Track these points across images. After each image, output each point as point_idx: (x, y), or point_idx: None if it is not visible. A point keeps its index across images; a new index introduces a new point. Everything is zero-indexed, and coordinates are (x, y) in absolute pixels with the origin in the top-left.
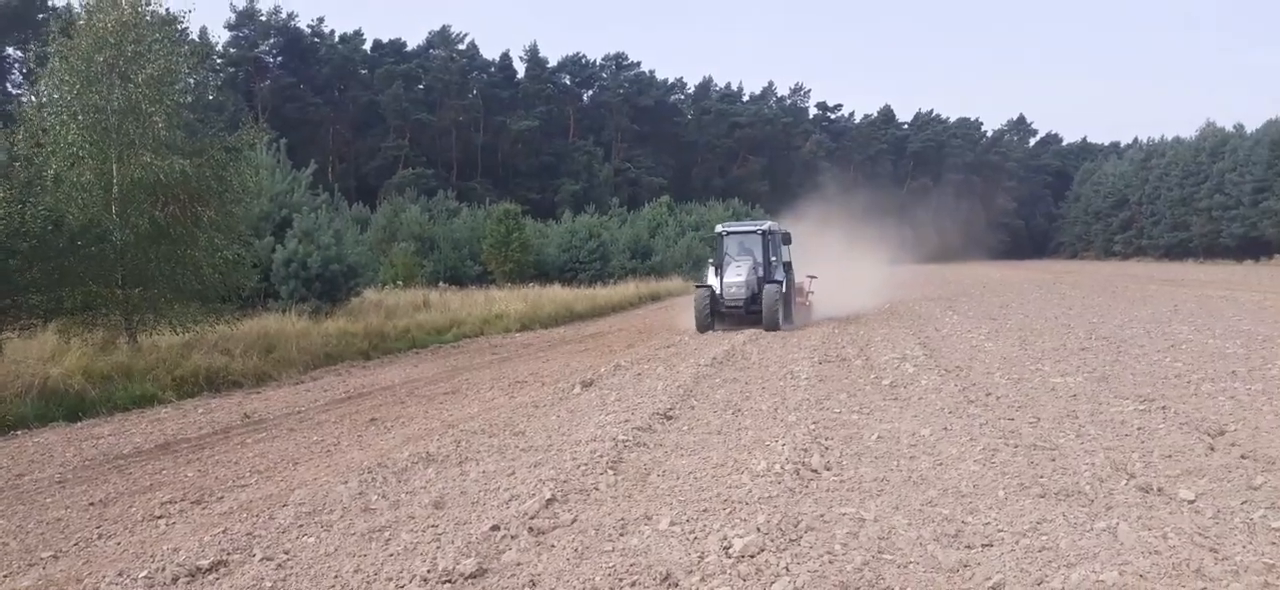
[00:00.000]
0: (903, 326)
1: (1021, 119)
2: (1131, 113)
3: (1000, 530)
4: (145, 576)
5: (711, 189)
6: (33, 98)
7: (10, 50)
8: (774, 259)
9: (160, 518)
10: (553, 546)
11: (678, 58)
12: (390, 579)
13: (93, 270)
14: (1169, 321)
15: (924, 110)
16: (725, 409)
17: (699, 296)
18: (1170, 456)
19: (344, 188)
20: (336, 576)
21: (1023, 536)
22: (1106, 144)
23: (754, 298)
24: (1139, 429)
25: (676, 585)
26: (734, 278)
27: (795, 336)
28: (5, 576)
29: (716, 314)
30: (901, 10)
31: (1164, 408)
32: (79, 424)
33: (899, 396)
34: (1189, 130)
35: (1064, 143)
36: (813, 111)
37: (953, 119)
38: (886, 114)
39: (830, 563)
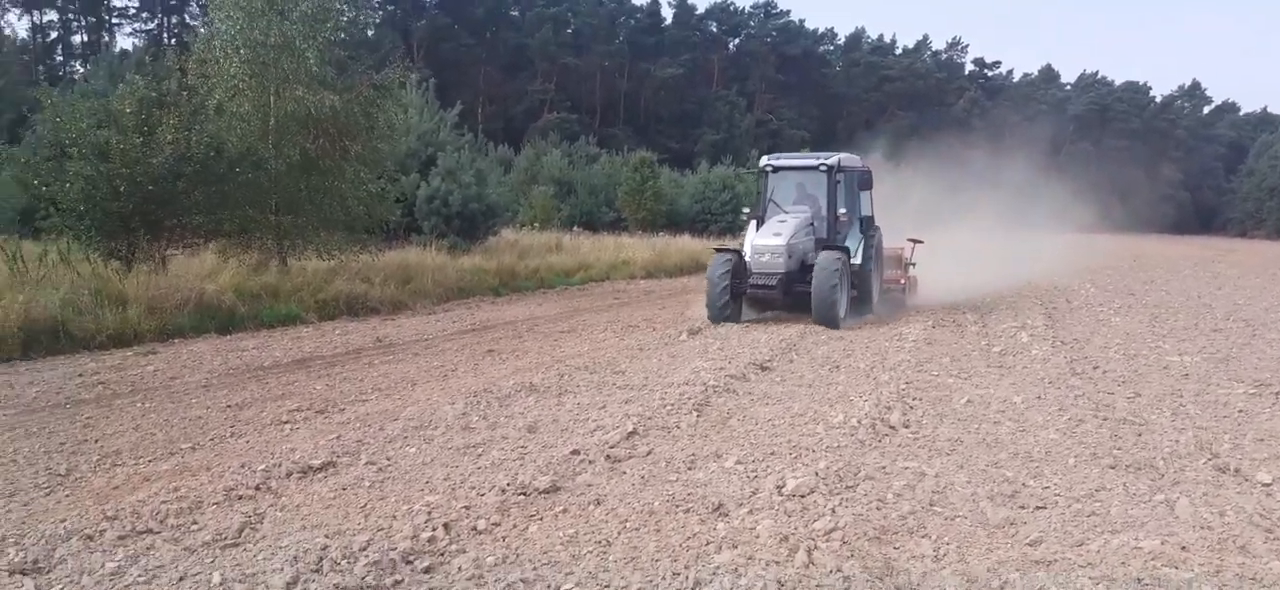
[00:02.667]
0: (1034, 297)
1: (1196, 85)
2: None
3: (1057, 495)
4: (263, 469)
5: (856, 144)
6: (203, 30)
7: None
8: (844, 212)
9: (287, 423)
10: (624, 473)
11: (830, 6)
12: (473, 488)
13: (249, 196)
14: None
15: (1089, 71)
16: (823, 365)
17: (716, 266)
18: (1263, 441)
19: (491, 129)
20: (427, 482)
21: (1077, 501)
22: None
23: (800, 272)
24: (1240, 412)
25: (726, 514)
26: (769, 239)
27: (922, 289)
28: (150, 460)
29: (743, 295)
30: None
31: (1277, 393)
32: (228, 336)
33: (1004, 364)
34: None
35: (1242, 113)
36: (969, 67)
37: (1119, 82)
38: (1048, 73)
39: (877, 509)
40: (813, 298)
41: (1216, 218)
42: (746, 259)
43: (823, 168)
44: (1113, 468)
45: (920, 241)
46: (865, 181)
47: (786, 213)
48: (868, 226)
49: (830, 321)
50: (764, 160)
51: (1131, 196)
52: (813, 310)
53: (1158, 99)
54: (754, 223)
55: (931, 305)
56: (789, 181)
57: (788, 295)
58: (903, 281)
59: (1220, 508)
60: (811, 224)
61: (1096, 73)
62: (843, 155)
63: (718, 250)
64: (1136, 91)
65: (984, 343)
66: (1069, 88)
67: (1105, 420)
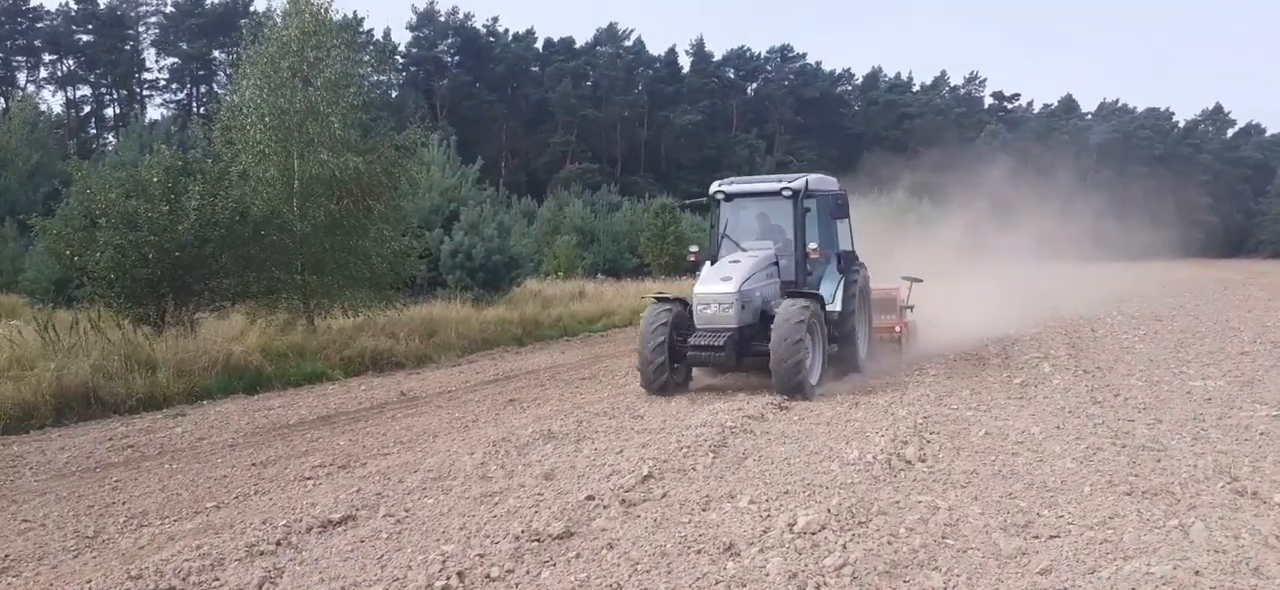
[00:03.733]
0: (1058, 326)
1: (1218, 108)
2: None
3: (1070, 523)
4: (284, 525)
5: (877, 181)
6: (233, 98)
7: (216, 53)
8: (815, 246)
9: (309, 479)
10: (638, 516)
11: (847, 48)
12: (487, 536)
13: (275, 257)
14: None
15: (1109, 99)
16: (842, 402)
17: (650, 318)
18: None
19: (514, 182)
20: (443, 532)
21: (1090, 529)
22: None
23: (760, 326)
24: (1262, 435)
25: (737, 554)
26: (716, 285)
27: (925, 334)
28: (175, 520)
29: (684, 355)
30: None
31: None
32: (255, 396)
33: (1025, 395)
34: None
35: (1267, 134)
36: (988, 101)
37: (1141, 108)
38: (1068, 103)
39: (889, 544)
40: (772, 360)
41: (1247, 240)
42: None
43: (787, 192)
44: (1128, 494)
45: (919, 280)
46: (840, 208)
47: (744, 250)
48: (848, 263)
49: (796, 390)
50: (715, 187)
51: (1159, 223)
52: (774, 378)
53: (1181, 124)
54: (708, 264)
55: (943, 352)
56: (747, 212)
57: (741, 357)
58: (898, 329)
59: (1236, 531)
60: (776, 263)
61: (1117, 100)
62: (812, 176)
63: (657, 299)
64: (1159, 118)
65: (1005, 374)
66: (1090, 117)
67: (1124, 447)
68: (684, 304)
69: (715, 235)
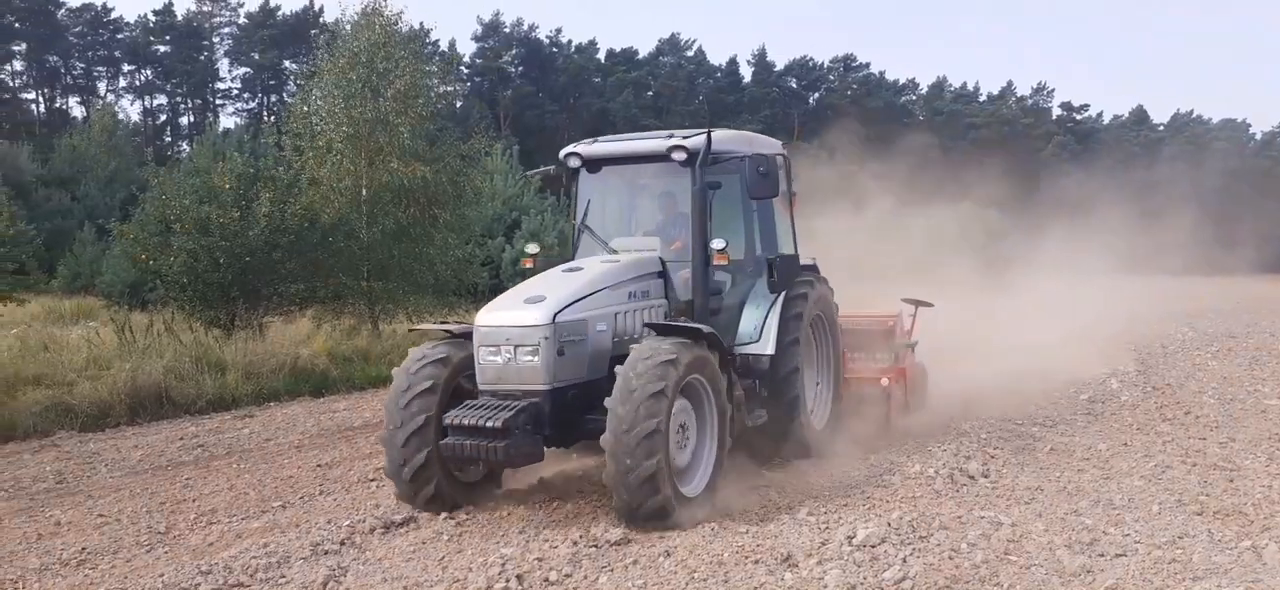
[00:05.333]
0: (1126, 342)
1: None
2: None
3: (1137, 542)
4: (348, 525)
5: (942, 191)
6: (304, 107)
7: (287, 63)
8: (722, 245)
9: (373, 481)
10: (696, 525)
11: (911, 59)
12: (547, 540)
13: (342, 264)
14: None
15: (1183, 111)
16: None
17: (406, 376)
18: None
19: None
20: (503, 535)
21: (1158, 549)
22: None
23: (597, 389)
24: None
25: (795, 565)
26: (509, 313)
27: (947, 376)
28: (243, 518)
29: (452, 442)
30: (1158, 4)
31: None
32: (321, 399)
33: (1092, 412)
34: None
35: None
36: (1056, 112)
37: (1216, 120)
38: (1139, 114)
39: (949, 559)
40: (607, 454)
41: None
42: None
43: (679, 154)
44: (1199, 514)
45: (928, 304)
46: (765, 181)
47: (614, 253)
48: (790, 275)
49: (650, 515)
50: (567, 150)
51: (1236, 237)
52: (608, 486)
53: (1259, 135)
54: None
55: (966, 407)
56: (619, 188)
57: (564, 439)
58: (892, 379)
59: None
60: (660, 276)
61: (1191, 112)
62: (721, 133)
63: (434, 333)
64: (1235, 129)
65: (1072, 391)
66: (1162, 128)
67: (1194, 466)
68: (444, 357)
69: (577, 227)
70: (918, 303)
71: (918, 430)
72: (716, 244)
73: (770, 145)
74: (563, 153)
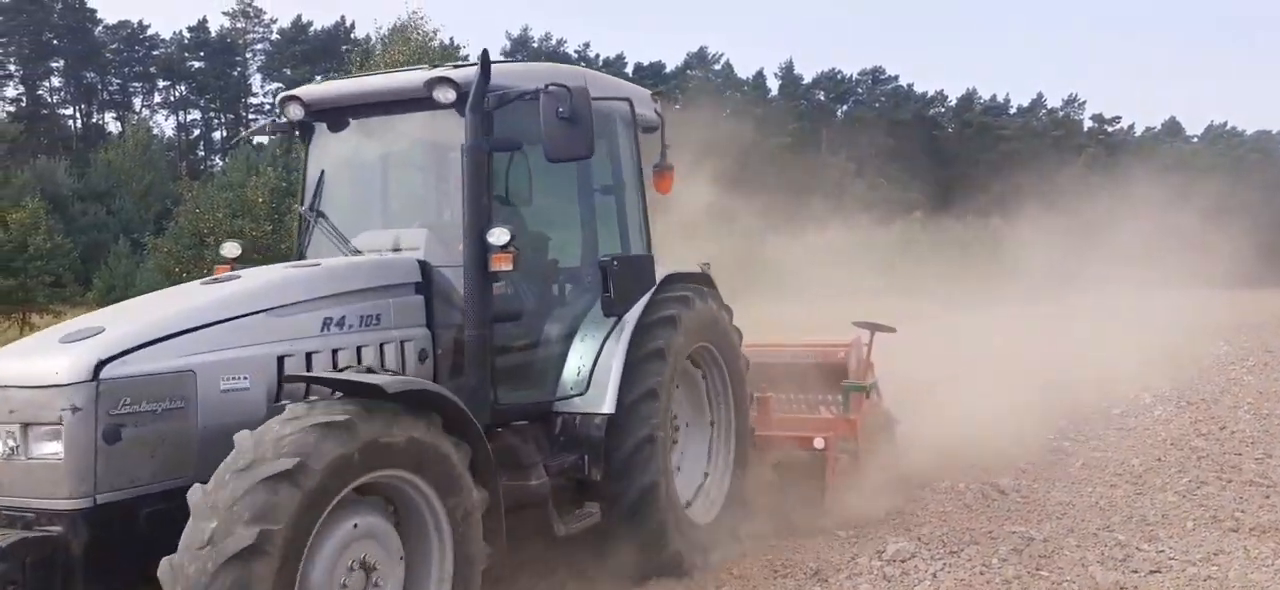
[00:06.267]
0: (1158, 355)
1: None
2: None
3: (1172, 559)
4: None
5: (971, 205)
6: None
7: (319, 78)
8: (505, 238)
9: None
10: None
11: (940, 71)
12: None
13: None
14: None
15: (1217, 122)
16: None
17: None
18: None
19: None
20: None
21: (1192, 566)
22: None
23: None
24: None
25: (824, 579)
26: (19, 365)
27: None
28: None
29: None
30: (1192, 14)
31: None
32: None
33: (1124, 426)
34: None
35: None
36: (1087, 124)
37: (1250, 131)
38: (1172, 126)
39: (981, 573)
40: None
41: None
42: None
43: (445, 96)
44: (1234, 531)
45: (890, 329)
46: (572, 132)
47: (357, 250)
48: (628, 286)
49: None
50: (286, 95)
51: (1273, 249)
52: None
53: None
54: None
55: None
56: (369, 154)
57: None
58: (832, 437)
59: None
60: (411, 291)
61: (1225, 123)
62: (506, 65)
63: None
64: (1270, 140)
65: (1103, 405)
66: (1196, 140)
67: (1229, 483)
68: None
69: (308, 216)
70: (874, 327)
71: (862, 511)
72: (495, 238)
73: (600, 83)
74: (280, 96)
